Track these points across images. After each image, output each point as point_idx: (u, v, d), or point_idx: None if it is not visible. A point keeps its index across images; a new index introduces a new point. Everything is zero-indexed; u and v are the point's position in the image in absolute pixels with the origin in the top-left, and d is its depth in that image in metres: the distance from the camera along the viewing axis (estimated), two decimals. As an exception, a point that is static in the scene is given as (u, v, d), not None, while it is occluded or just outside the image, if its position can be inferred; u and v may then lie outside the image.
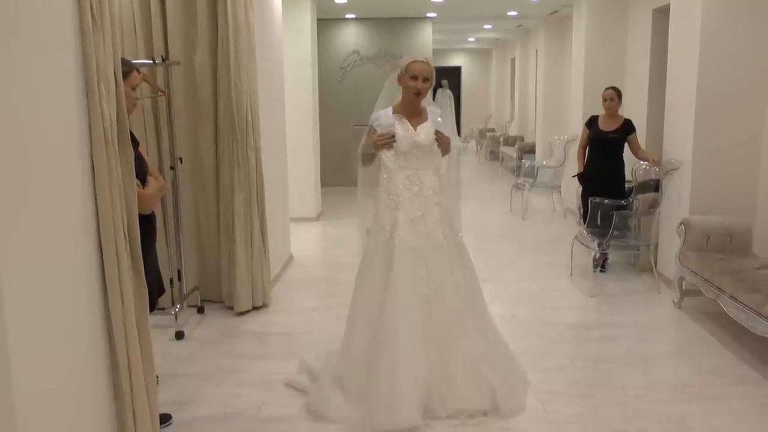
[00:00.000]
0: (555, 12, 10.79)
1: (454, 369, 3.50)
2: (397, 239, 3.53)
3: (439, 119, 3.67)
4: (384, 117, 3.66)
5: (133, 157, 2.63)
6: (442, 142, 3.65)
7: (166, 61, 4.63)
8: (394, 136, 3.58)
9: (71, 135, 2.33)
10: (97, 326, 2.51)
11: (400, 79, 3.62)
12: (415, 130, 3.60)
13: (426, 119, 3.65)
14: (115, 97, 2.50)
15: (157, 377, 3.76)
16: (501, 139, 15.36)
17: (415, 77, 3.55)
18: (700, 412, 3.52)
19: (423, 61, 3.58)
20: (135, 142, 3.01)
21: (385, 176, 3.65)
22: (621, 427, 3.39)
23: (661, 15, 6.97)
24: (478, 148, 18.24)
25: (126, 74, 2.98)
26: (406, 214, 3.57)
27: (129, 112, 2.84)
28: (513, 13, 11.16)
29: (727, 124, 5.19)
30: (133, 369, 2.62)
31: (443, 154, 3.72)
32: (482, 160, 16.54)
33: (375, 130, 3.67)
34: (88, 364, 2.46)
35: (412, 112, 3.65)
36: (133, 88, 3.17)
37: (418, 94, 3.58)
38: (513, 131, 15.56)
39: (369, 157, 3.71)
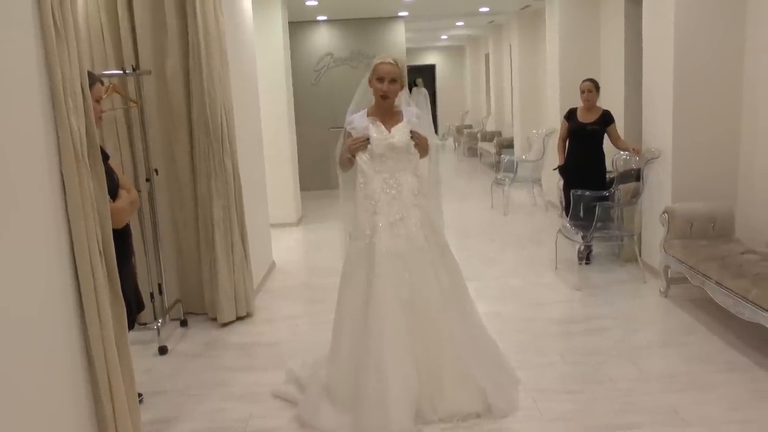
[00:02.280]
0: (527, 6, 10.79)
1: (442, 371, 3.44)
2: (377, 244, 3.47)
3: (416, 119, 3.60)
4: (358, 120, 3.61)
5: (104, 171, 2.55)
6: (419, 142, 3.58)
7: (137, 71, 4.54)
8: (368, 139, 3.53)
9: (39, 151, 2.25)
10: (75, 347, 2.44)
11: (369, 82, 3.57)
12: (389, 131, 3.54)
13: (401, 120, 3.58)
14: (83, 110, 2.43)
15: (141, 395, 3.69)
16: (478, 135, 15.38)
17: (381, 79, 3.50)
18: (692, 401, 3.50)
19: (390, 63, 3.50)
20: (105, 156, 2.93)
21: (361, 180, 3.58)
22: (615, 421, 3.35)
23: (634, 4, 6.97)
24: (456, 145, 18.25)
25: (89, 87, 2.90)
26: (385, 218, 3.51)
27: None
28: (484, 9, 11.14)
29: (706, 111, 5.19)
30: (114, 389, 2.54)
31: (422, 155, 3.64)
32: (461, 157, 16.53)
33: (350, 134, 3.61)
34: (67, 386, 2.38)
35: (386, 113, 3.59)
36: (97, 101, 3.08)
37: (385, 97, 3.52)
38: (490, 127, 15.57)
39: (347, 162, 3.64)
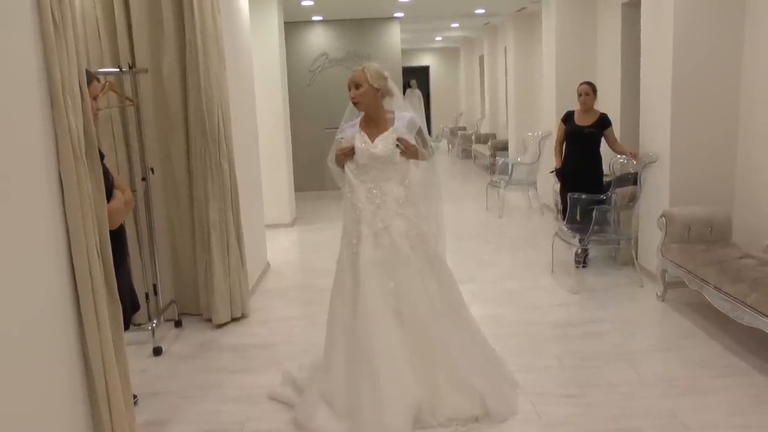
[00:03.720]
0: (522, 9, 10.79)
1: (438, 378, 3.43)
2: (361, 253, 3.48)
3: (405, 129, 3.58)
4: (348, 130, 3.65)
5: (101, 171, 2.51)
6: (407, 150, 3.56)
7: (133, 69, 4.49)
8: (354, 149, 3.56)
9: (37, 150, 2.21)
10: (72, 348, 2.40)
11: None
12: (373, 141, 3.54)
13: (388, 128, 3.57)
14: (81, 108, 2.39)
15: (136, 397, 3.65)
16: (473, 137, 15.36)
17: (348, 88, 3.56)
18: (691, 406, 3.49)
19: (356, 69, 3.58)
20: (100, 155, 2.89)
21: (348, 189, 3.61)
22: (614, 426, 3.33)
23: (631, 9, 6.97)
24: (450, 147, 18.24)
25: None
26: (369, 228, 3.51)
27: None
28: (480, 11, 11.14)
29: (703, 115, 5.18)
30: (110, 390, 2.51)
31: (421, 159, 3.64)
32: (454, 159, 16.52)
33: (340, 144, 3.65)
34: (64, 387, 2.34)
35: (374, 122, 3.61)
36: (94, 99, 3.04)
37: (355, 103, 3.57)
38: (484, 129, 15.56)
39: (339, 171, 3.71)
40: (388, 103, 3.65)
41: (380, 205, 3.54)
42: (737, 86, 5.14)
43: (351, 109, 3.68)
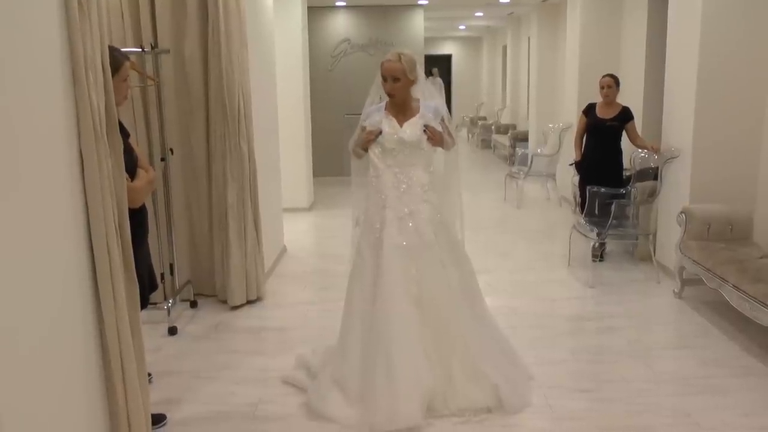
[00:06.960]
0: (547, -1, 10.68)
1: (453, 368, 3.43)
2: (385, 238, 3.47)
3: (431, 115, 3.58)
4: (374, 114, 3.63)
5: (122, 150, 2.51)
6: (433, 137, 3.56)
7: (155, 49, 4.49)
8: (380, 133, 3.54)
9: (58, 127, 2.22)
10: (89, 327, 2.41)
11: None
12: (401, 126, 3.53)
13: (415, 115, 3.57)
14: (103, 86, 2.39)
15: (150, 375, 3.67)
16: (493, 127, 15.28)
17: (384, 78, 3.51)
18: (706, 405, 3.46)
19: (391, 60, 3.49)
20: (125, 133, 2.89)
21: (373, 174, 3.60)
22: (627, 422, 3.32)
23: (658, 1, 6.86)
24: (470, 136, 18.16)
25: (118, 67, 2.86)
26: (394, 213, 3.51)
27: (119, 104, 2.71)
28: (505, 0, 11.03)
29: (728, 112, 5.11)
30: (126, 371, 2.52)
31: (445, 148, 3.65)
32: (474, 149, 16.45)
33: (364, 128, 3.63)
34: (79, 366, 2.36)
35: (401, 107, 3.59)
36: (124, 80, 3.04)
37: (390, 95, 3.54)
38: (505, 119, 15.45)
39: (359, 154, 3.69)
40: (413, 90, 3.63)
41: (405, 190, 3.54)
42: (764, 82, 5.06)
43: (374, 95, 3.66)
